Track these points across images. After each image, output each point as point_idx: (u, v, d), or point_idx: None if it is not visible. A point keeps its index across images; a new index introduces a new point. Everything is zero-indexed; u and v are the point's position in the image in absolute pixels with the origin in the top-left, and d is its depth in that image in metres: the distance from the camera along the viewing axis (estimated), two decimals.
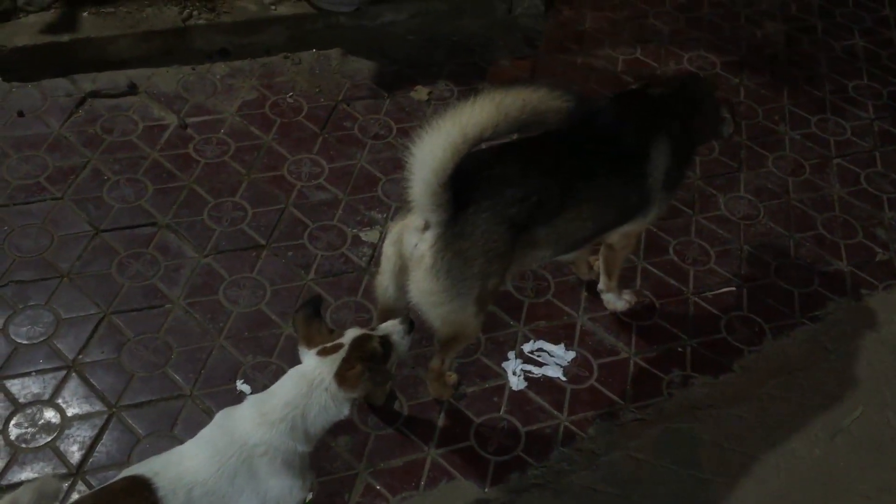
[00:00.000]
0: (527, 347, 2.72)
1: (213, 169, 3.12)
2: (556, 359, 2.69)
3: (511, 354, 2.69)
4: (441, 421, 2.52)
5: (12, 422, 2.39)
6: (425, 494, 2.36)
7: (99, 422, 2.41)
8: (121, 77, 3.35)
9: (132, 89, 3.31)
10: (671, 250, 3.04)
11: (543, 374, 2.65)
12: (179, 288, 2.75)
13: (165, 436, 2.40)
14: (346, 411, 1.92)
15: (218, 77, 3.44)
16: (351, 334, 1.95)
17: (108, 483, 1.86)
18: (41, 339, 2.57)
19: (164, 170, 3.08)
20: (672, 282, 2.95)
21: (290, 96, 3.41)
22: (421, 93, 3.50)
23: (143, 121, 3.24)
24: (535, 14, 3.90)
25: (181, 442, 2.33)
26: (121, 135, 3.18)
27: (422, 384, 2.59)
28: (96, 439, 2.38)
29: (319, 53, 3.59)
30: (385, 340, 1.98)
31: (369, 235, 2.98)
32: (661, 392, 2.64)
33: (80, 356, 2.55)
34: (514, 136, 2.24)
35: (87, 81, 3.31)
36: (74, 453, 2.34)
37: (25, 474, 2.29)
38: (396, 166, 3.20)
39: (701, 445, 2.49)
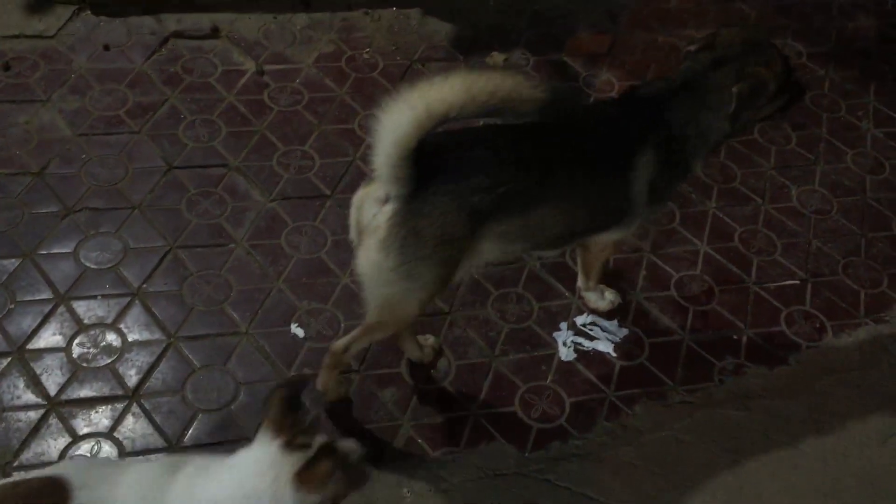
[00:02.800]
0: (579, 320, 2.70)
1: (285, 117, 3.16)
2: (608, 334, 2.68)
3: (563, 325, 2.68)
4: (487, 383, 2.54)
5: (76, 341, 2.48)
6: (465, 452, 2.38)
7: (157, 349, 2.49)
8: (205, 20, 3.41)
9: (214, 33, 3.37)
10: (736, 238, 2.98)
11: (594, 348, 2.64)
12: (244, 229, 2.81)
13: (219, 369, 2.47)
14: None
15: (298, 28, 3.48)
16: (321, 439, 1.72)
17: (28, 477, 1.77)
18: (109, 265, 2.67)
19: (238, 114, 3.14)
20: (734, 269, 2.89)
21: (367, 52, 3.43)
22: (496, 59, 3.48)
23: (222, 64, 3.29)
24: None
25: (234, 377, 2.45)
26: (200, 76, 3.24)
27: (471, 344, 2.61)
28: (153, 366, 2.46)
29: (399, 12, 3.59)
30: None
31: None
32: (712, 378, 2.60)
33: (145, 285, 2.63)
34: (481, 122, 2.14)
35: (172, 21, 3.38)
36: (132, 377, 2.43)
37: (84, 392, 2.39)
38: None
39: (748, 434, 2.45)
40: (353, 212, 2.12)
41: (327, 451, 1.67)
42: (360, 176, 3.00)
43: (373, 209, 2.03)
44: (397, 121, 1.85)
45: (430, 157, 1.93)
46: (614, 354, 2.63)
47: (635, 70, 3.53)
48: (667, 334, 2.70)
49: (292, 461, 1.62)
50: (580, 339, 2.65)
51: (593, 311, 2.72)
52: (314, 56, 3.39)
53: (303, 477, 1.61)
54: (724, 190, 3.13)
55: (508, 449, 2.40)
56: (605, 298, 2.73)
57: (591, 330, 2.68)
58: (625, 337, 2.68)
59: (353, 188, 2.88)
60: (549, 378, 2.56)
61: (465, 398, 2.49)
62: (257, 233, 2.81)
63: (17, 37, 3.23)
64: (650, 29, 3.74)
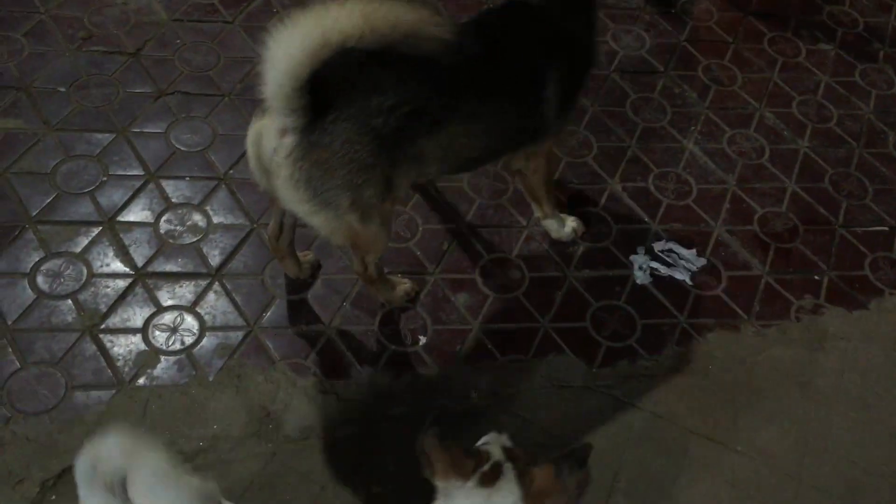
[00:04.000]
0: (657, 246, 2.68)
1: None
2: (685, 262, 2.65)
3: (640, 249, 2.66)
4: (560, 298, 2.54)
5: (163, 217, 2.55)
6: (533, 361, 2.40)
7: (240, 234, 2.54)
8: None
9: None
10: (826, 179, 2.90)
11: (670, 275, 2.62)
12: None
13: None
14: None
15: None
16: (492, 442, 1.55)
17: None
18: (198, 148, 2.71)
19: None
20: (821, 210, 2.82)
21: None
22: None
23: None
24: None
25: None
26: None
27: (546, 259, 2.61)
28: (236, 249, 2.51)
29: None
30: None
31: None
32: (788, 315, 2.56)
33: (231, 171, 2.67)
34: None
35: None
36: (215, 256, 2.49)
37: (169, 266, 2.46)
38: None
39: (822, 374, 2.42)
40: (249, 148, 1.98)
41: (523, 452, 1.53)
42: None
43: (271, 144, 1.91)
44: (290, 49, 1.70)
45: (327, 82, 1.80)
46: (690, 283, 2.60)
47: (736, 1, 3.41)
48: (746, 268, 2.66)
49: (510, 488, 1.46)
50: (657, 265, 2.63)
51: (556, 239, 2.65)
52: None
53: (535, 499, 1.46)
54: (818, 130, 3.04)
55: (576, 362, 2.41)
56: (567, 226, 2.64)
57: (668, 257, 2.66)
58: (702, 267, 2.65)
59: None
60: (623, 299, 2.55)
61: (538, 309, 2.50)
62: None
63: None
64: None
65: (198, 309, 2.38)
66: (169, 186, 2.62)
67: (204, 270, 2.46)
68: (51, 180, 2.56)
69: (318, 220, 1.99)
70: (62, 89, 2.76)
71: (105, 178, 2.59)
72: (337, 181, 1.91)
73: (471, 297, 2.51)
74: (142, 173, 2.62)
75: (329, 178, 1.90)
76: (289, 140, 1.87)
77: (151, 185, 2.60)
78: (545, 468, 1.47)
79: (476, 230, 2.66)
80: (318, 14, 1.69)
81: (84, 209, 2.52)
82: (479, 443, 1.57)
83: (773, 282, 2.64)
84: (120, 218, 2.52)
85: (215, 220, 2.57)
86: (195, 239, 2.52)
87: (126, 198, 2.57)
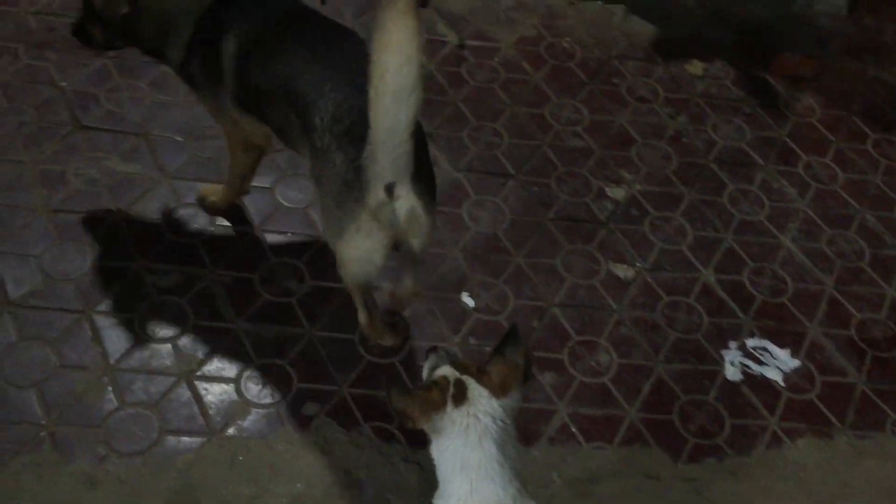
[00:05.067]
0: (750, 343, 2.63)
1: (480, 93, 3.21)
2: (778, 362, 2.60)
3: (732, 345, 2.62)
4: (647, 387, 2.51)
5: (257, 273, 2.62)
6: (617, 450, 2.37)
7: (334, 294, 2.58)
8: None
9: (423, 3, 3.46)
10: None
11: (762, 374, 2.57)
12: None
13: None
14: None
15: (503, 8, 3.53)
16: (440, 364, 1.69)
17: None
18: (301, 206, 2.78)
19: (436, 82, 3.22)
20: None
21: (567, 41, 3.44)
22: (696, 67, 3.42)
23: (426, 33, 3.37)
24: (834, 14, 3.68)
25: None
26: None
27: (636, 345, 2.59)
28: (330, 308, 2.55)
29: (604, 6, 3.58)
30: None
31: (614, 192, 2.98)
32: (884, 428, 2.48)
33: None
34: None
35: None
36: (309, 314, 2.53)
37: (265, 320, 2.51)
38: (657, 133, 3.18)
39: None
40: (376, 239, 2.04)
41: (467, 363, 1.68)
42: (546, 161, 3.03)
43: (407, 206, 1.97)
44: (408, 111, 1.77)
45: None
46: (783, 384, 2.55)
47: (841, 100, 3.39)
48: (841, 374, 2.60)
49: (476, 394, 1.60)
50: (749, 362, 2.59)
51: None
52: (515, 38, 3.43)
53: (495, 390, 1.61)
54: None
55: (662, 455, 2.37)
56: (218, 195, 2.68)
57: (761, 355, 2.61)
58: (795, 368, 2.59)
59: (537, 172, 3.00)
60: (712, 394, 2.51)
61: (625, 397, 2.48)
62: (441, 199, 2.86)
63: None
64: (861, 60, 3.58)
65: (289, 364, 2.43)
66: (271, 240, 2.69)
67: (298, 327, 2.51)
68: (166, 222, 2.67)
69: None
70: (179, 138, 2.89)
71: (212, 229, 2.69)
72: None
73: (557, 377, 2.51)
74: (247, 226, 2.71)
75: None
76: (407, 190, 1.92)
77: (254, 239, 2.68)
78: (494, 361, 1.65)
79: (566, 309, 2.66)
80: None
81: (190, 254, 2.61)
82: (429, 372, 1.69)
83: (869, 391, 2.57)
84: (222, 270, 2.61)
85: (311, 278, 2.63)
86: (294, 290, 2.58)
87: (230, 249, 2.66)
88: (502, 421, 1.59)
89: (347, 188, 1.97)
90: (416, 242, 2.06)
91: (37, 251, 2.54)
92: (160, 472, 2.16)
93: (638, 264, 2.80)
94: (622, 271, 2.79)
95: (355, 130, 1.92)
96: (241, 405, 2.33)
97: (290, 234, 2.71)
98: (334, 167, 1.98)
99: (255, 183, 2.80)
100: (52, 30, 3.10)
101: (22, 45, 3.04)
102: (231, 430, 2.27)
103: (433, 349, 1.78)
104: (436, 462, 1.63)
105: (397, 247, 2.10)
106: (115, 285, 2.50)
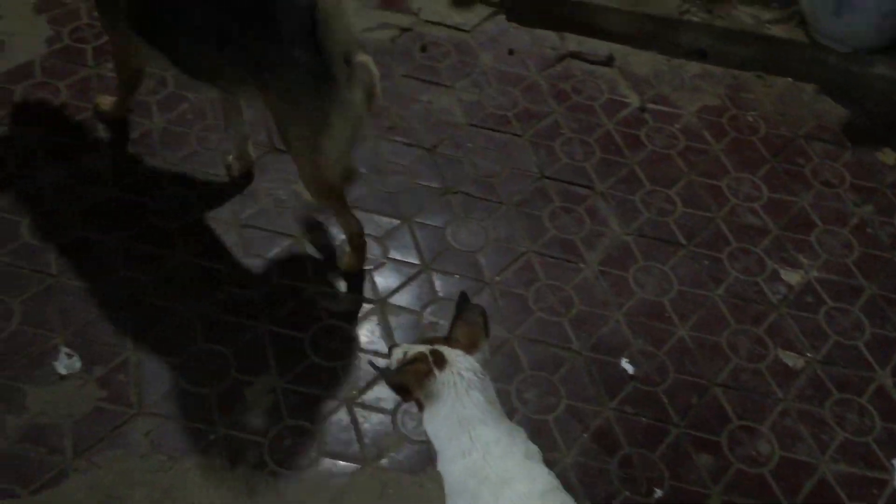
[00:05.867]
0: None
1: (657, 157, 3.19)
2: None
3: None
4: (810, 486, 2.38)
5: (428, 309, 2.66)
6: None
7: (495, 342, 2.61)
8: (602, 47, 3.54)
9: (609, 61, 3.49)
10: None
11: None
12: (595, 253, 2.87)
13: (546, 378, 2.54)
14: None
15: (688, 75, 3.50)
16: (408, 347, 1.88)
17: None
18: (470, 249, 2.84)
19: (613, 143, 3.22)
20: None
21: (752, 115, 3.37)
22: (889, 156, 3.27)
23: (608, 92, 3.40)
24: None
25: (558, 390, 2.51)
26: (586, 98, 3.37)
27: (800, 439, 2.47)
28: (492, 356, 2.59)
29: (794, 84, 3.50)
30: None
31: (789, 276, 2.87)
32: None
33: (498, 277, 2.78)
34: None
35: (573, 42, 3.55)
36: None
37: None
38: (840, 220, 3.05)
39: None
40: None
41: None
42: (719, 235, 2.97)
43: None
44: None
45: None
46: None
47: None
48: None
49: (451, 357, 1.82)
50: None
51: None
52: (698, 105, 3.39)
53: (463, 347, 1.85)
54: None
55: None
56: (109, 106, 2.99)
57: None
58: None
59: (708, 245, 2.93)
60: None
61: (785, 494, 2.36)
62: (608, 260, 2.86)
63: (438, 24, 3.55)
64: None
65: None
66: (438, 280, 2.75)
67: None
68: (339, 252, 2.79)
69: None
70: (362, 170, 3.01)
71: (384, 261, 2.78)
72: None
73: (714, 460, 2.42)
74: (417, 262, 2.78)
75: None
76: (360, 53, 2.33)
77: (424, 276, 2.75)
78: (457, 326, 1.89)
79: (728, 390, 2.58)
80: None
81: (361, 284, 2.71)
82: (400, 358, 1.85)
83: None
84: (391, 300, 2.68)
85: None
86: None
87: (399, 282, 2.73)
88: (480, 374, 1.82)
89: (315, 76, 2.19)
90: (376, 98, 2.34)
91: (221, 265, 2.70)
92: (315, 492, 2.23)
93: (809, 354, 2.68)
94: (791, 359, 2.68)
95: (304, 25, 2.15)
96: (397, 438, 2.37)
97: (457, 276, 2.77)
98: (298, 65, 2.20)
99: (426, 221, 2.88)
100: None
101: None
102: (384, 461, 2.32)
103: (394, 345, 1.99)
104: (432, 431, 1.82)
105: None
106: (290, 304, 2.62)
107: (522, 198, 3.01)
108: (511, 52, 3.47)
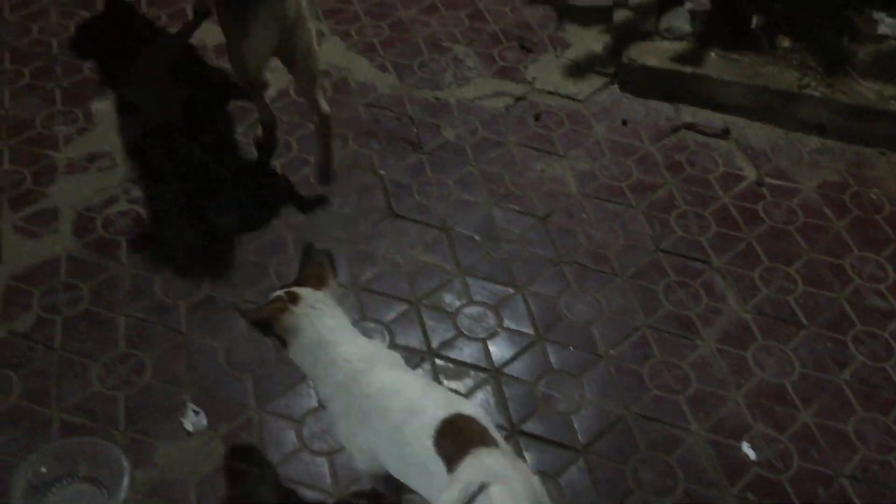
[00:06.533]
0: None
1: (775, 233, 3.12)
2: None
3: None
4: None
5: (542, 380, 2.65)
6: None
7: (610, 417, 2.57)
8: (717, 119, 3.51)
9: (724, 134, 3.46)
10: None
11: None
12: (713, 330, 2.81)
13: (662, 459, 2.48)
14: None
15: (806, 149, 3.44)
16: (273, 294, 2.13)
17: None
18: (584, 321, 2.82)
19: (729, 216, 3.17)
20: None
21: (875, 193, 3.27)
22: None
23: (724, 165, 3.36)
24: None
25: (675, 472, 2.45)
26: (701, 171, 3.34)
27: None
28: (604, 432, 2.55)
29: None
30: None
31: None
32: None
33: (612, 350, 2.75)
34: None
35: (688, 113, 3.54)
36: (583, 431, 2.54)
37: (540, 429, 2.53)
38: None
39: None
40: None
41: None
42: (842, 316, 2.87)
43: None
44: None
45: None
46: None
47: None
48: None
49: (307, 294, 2.09)
50: None
51: None
52: (817, 181, 3.32)
53: (312, 284, 2.12)
54: None
55: None
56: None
57: None
58: None
59: (831, 326, 2.84)
60: None
61: None
62: (725, 338, 2.80)
63: (552, 93, 3.59)
64: None
65: (560, 479, 2.43)
66: (552, 351, 2.74)
67: (569, 443, 2.51)
68: (454, 319, 2.80)
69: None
70: (477, 237, 3.04)
71: (499, 330, 2.78)
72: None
73: None
74: (531, 332, 2.78)
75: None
76: None
77: (537, 346, 2.74)
78: (305, 268, 2.16)
79: (856, 483, 2.46)
80: None
81: (476, 353, 2.72)
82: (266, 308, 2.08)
83: None
84: (506, 370, 2.68)
85: (588, 395, 2.63)
86: (567, 410, 2.60)
87: (513, 352, 2.72)
88: (331, 305, 2.09)
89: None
90: (300, 35, 2.84)
91: None
92: None
93: None
94: None
95: None
96: None
97: (571, 348, 2.75)
98: None
99: (539, 290, 2.88)
100: (377, 122, 3.42)
101: (352, 133, 3.38)
102: None
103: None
104: (300, 362, 2.08)
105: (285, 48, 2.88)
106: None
107: (637, 270, 2.98)
108: (625, 123, 3.48)
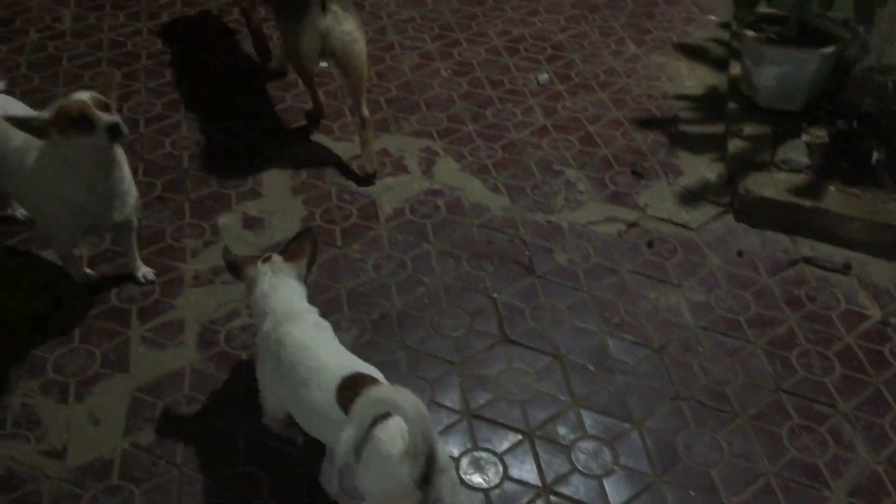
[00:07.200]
0: None
1: None
2: None
3: None
4: None
5: None
6: None
7: None
8: (837, 254, 3.43)
9: (845, 269, 3.36)
10: None
11: None
12: (843, 481, 2.66)
13: None
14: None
15: None
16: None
17: None
18: (702, 462, 2.71)
19: (854, 358, 3.05)
20: None
21: None
22: None
23: (846, 302, 3.26)
24: None
25: None
26: (821, 307, 3.24)
27: None
28: None
29: None
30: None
31: None
32: None
33: (734, 496, 2.60)
34: None
35: (806, 246, 3.47)
36: None
37: None
38: None
39: None
40: None
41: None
42: None
43: None
44: None
45: None
46: None
47: None
48: None
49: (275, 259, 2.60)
50: None
51: None
52: None
53: (288, 258, 2.60)
54: None
55: None
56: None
57: None
58: None
59: None
60: None
61: None
62: (857, 490, 2.64)
63: (665, 220, 3.58)
64: None
65: None
66: (670, 492, 2.63)
67: None
68: (569, 452, 2.73)
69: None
70: (590, 367, 2.99)
71: (615, 468, 2.70)
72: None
73: None
74: (649, 472, 2.68)
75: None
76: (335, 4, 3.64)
77: (656, 488, 2.64)
78: (292, 243, 2.63)
79: None
80: None
81: (591, 491, 2.63)
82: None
83: None
84: None
85: None
86: None
87: (630, 493, 2.62)
88: (289, 274, 2.55)
89: (299, 7, 3.49)
90: (337, 41, 3.52)
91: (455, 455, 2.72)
92: None
93: None
94: None
95: None
96: None
97: (692, 493, 2.63)
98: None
99: (656, 426, 2.79)
100: (490, 243, 3.46)
101: (465, 253, 3.42)
102: None
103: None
104: (252, 307, 2.58)
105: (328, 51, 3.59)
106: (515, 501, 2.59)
107: (758, 411, 2.87)
108: (740, 254, 3.43)
